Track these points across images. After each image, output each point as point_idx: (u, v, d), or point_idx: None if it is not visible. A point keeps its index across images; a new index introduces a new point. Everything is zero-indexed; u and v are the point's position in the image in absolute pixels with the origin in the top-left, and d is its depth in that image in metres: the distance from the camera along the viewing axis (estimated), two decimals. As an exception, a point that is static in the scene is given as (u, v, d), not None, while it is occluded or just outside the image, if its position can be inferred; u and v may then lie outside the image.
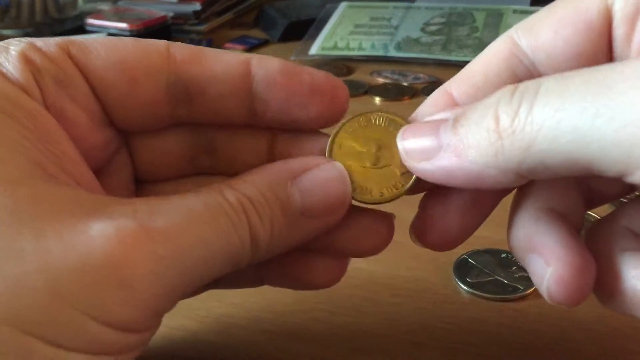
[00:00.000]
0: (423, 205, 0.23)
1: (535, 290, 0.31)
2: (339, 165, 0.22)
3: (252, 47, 0.68)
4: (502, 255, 0.33)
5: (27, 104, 0.20)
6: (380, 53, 0.63)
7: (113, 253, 0.18)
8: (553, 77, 0.18)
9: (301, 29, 0.69)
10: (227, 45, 0.68)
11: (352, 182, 0.23)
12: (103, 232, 0.18)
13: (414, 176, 0.22)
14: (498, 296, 0.31)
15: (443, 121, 0.21)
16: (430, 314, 0.30)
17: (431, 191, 0.23)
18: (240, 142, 0.25)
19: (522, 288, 0.31)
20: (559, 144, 0.17)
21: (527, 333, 0.29)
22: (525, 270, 0.32)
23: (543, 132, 0.18)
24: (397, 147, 0.22)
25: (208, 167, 0.25)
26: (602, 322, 0.30)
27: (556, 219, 0.21)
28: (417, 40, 0.65)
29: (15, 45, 0.21)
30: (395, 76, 0.59)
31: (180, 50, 0.23)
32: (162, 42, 0.23)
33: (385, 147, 0.23)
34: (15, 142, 0.19)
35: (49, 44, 0.22)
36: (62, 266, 0.17)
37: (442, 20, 0.68)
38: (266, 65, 0.23)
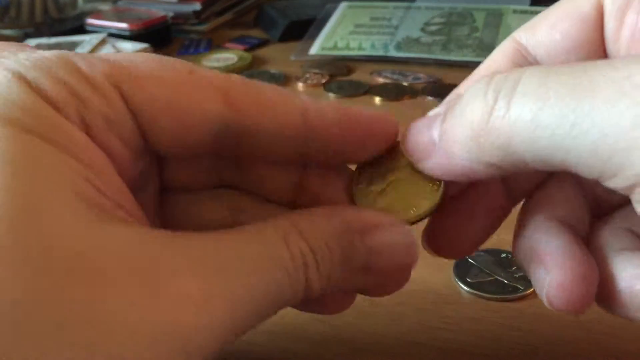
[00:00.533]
0: (434, 217, 0.23)
1: (535, 290, 0.31)
2: (411, 232, 0.21)
3: (252, 47, 0.68)
4: (502, 255, 0.33)
5: (79, 135, 0.18)
6: (380, 53, 0.63)
7: (178, 321, 0.17)
8: (535, 71, 0.18)
9: (301, 29, 0.69)
10: (227, 44, 0.68)
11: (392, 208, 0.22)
12: (166, 298, 0.17)
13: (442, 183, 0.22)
14: (498, 296, 0.31)
15: (437, 116, 0.21)
16: (430, 314, 0.30)
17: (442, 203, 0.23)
18: (267, 171, 0.24)
19: (522, 288, 0.31)
20: (537, 147, 0.17)
21: (527, 333, 0.29)
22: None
23: (520, 134, 0.17)
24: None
25: (234, 181, 0.24)
26: (602, 322, 0.30)
27: (561, 227, 0.21)
28: (417, 40, 0.65)
29: (56, 67, 0.19)
30: (395, 76, 0.59)
31: (239, 93, 0.21)
32: (219, 80, 0.21)
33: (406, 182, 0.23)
34: (69, 180, 0.17)
35: (95, 71, 0.19)
36: (126, 333, 0.16)
37: (442, 20, 0.68)
38: (324, 117, 0.21)
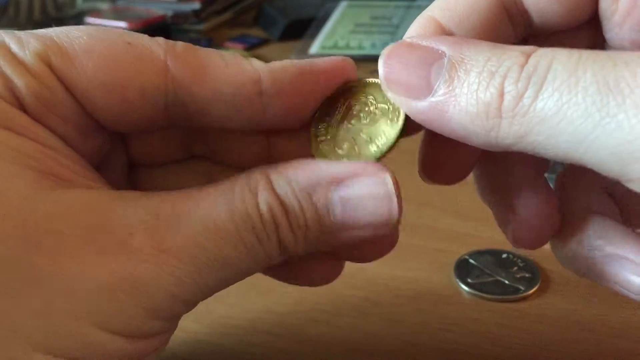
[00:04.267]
0: (424, 149, 0.22)
1: (537, 291, 0.31)
2: (388, 180, 0.20)
3: (252, 46, 0.67)
4: (503, 255, 0.33)
5: (20, 116, 0.19)
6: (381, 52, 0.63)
7: (129, 276, 0.18)
8: (565, 60, 0.17)
9: (301, 28, 0.68)
10: (227, 44, 0.68)
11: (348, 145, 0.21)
12: (119, 254, 0.18)
13: (401, 121, 0.21)
14: (499, 297, 0.31)
15: (435, 54, 0.19)
16: (431, 315, 0.30)
17: (429, 135, 0.22)
18: (235, 141, 0.23)
19: (523, 289, 0.31)
20: (556, 141, 0.17)
21: (528, 334, 0.29)
22: (526, 271, 0.32)
23: (542, 125, 0.17)
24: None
25: (203, 153, 0.24)
26: (603, 322, 0.29)
27: (523, 161, 0.21)
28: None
29: None
30: (396, 75, 0.59)
31: (180, 65, 0.20)
32: (159, 51, 0.20)
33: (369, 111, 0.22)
34: (19, 154, 0.18)
35: (28, 53, 0.19)
36: (84, 291, 0.18)
37: (443, 19, 0.68)
38: (277, 82, 0.21)
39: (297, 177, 0.20)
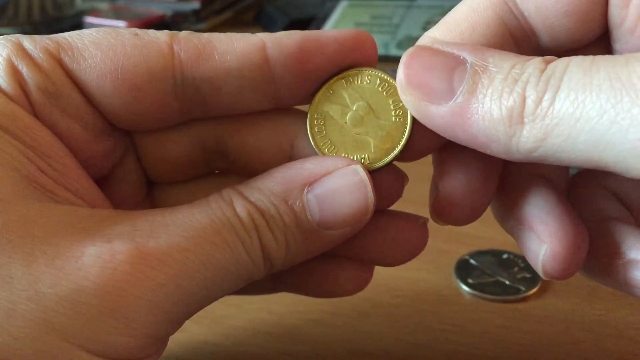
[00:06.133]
0: (436, 186, 0.22)
1: (537, 291, 0.31)
2: (360, 170, 0.20)
3: (252, 46, 0.67)
4: (504, 255, 0.33)
5: (23, 117, 0.19)
6: (382, 52, 0.63)
7: (107, 282, 0.17)
8: (579, 62, 0.17)
9: (301, 27, 0.68)
10: (227, 43, 0.68)
11: (326, 135, 0.21)
12: (97, 258, 0.17)
13: (384, 160, 0.21)
14: (499, 297, 0.31)
15: (457, 60, 0.19)
16: (431, 315, 0.30)
17: (441, 171, 0.22)
18: (253, 146, 0.23)
19: (524, 289, 0.31)
20: (574, 142, 0.17)
21: (529, 334, 0.29)
22: (527, 271, 0.32)
23: (560, 127, 0.17)
24: (380, 119, 0.21)
25: (224, 168, 0.24)
26: (604, 323, 0.29)
27: (545, 186, 0.21)
28: (418, 39, 0.64)
29: (2, 49, 0.20)
30: (396, 75, 0.59)
31: (185, 46, 0.21)
32: (164, 39, 0.21)
33: (372, 112, 0.22)
34: (10, 158, 0.18)
35: (38, 48, 0.20)
36: (53, 295, 0.16)
37: (443, 18, 0.68)
38: (282, 47, 0.21)
39: (268, 186, 0.20)
